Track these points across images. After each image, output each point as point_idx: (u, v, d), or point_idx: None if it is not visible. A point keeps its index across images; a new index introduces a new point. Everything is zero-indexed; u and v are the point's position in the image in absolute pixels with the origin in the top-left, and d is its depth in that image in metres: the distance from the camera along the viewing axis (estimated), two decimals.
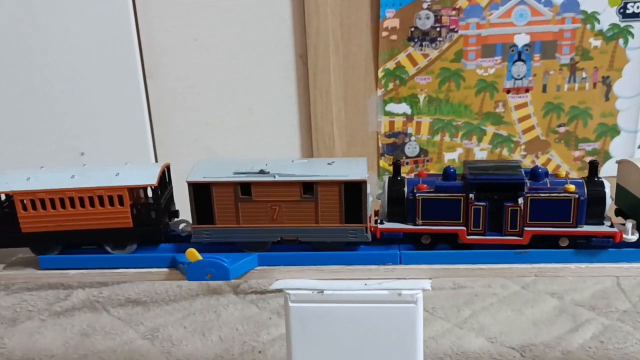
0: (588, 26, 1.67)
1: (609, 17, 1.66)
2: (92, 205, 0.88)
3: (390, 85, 1.72)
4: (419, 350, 0.85)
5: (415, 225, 0.88)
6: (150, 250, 0.92)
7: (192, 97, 1.72)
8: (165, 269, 0.90)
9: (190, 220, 0.93)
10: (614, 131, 1.76)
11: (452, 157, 1.79)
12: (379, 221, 0.90)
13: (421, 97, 1.73)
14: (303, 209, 0.87)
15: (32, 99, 1.67)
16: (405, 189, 0.88)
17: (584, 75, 1.71)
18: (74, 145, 1.70)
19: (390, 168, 1.40)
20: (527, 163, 1.78)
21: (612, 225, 0.86)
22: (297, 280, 0.88)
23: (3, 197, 0.90)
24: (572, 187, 0.85)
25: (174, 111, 1.73)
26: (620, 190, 0.94)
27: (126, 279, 0.93)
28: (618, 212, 0.95)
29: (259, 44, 1.68)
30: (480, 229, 0.87)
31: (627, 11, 1.66)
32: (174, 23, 1.66)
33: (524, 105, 1.74)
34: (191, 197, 0.87)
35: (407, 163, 1.79)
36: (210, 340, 1.40)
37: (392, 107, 1.74)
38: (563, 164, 1.79)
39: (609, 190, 0.86)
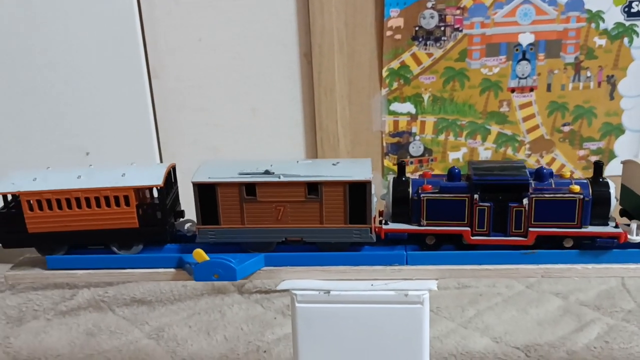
0: (593, 25, 1.66)
1: (613, 16, 1.66)
2: (98, 205, 0.88)
3: (395, 85, 1.72)
4: (425, 351, 0.85)
5: (419, 225, 0.88)
6: (156, 250, 0.92)
7: (196, 97, 1.73)
8: (172, 270, 0.90)
9: (195, 220, 0.93)
10: (619, 130, 1.76)
11: (456, 156, 1.79)
12: (383, 222, 0.90)
13: (425, 97, 1.73)
14: (308, 210, 0.87)
15: (38, 99, 1.68)
16: (410, 190, 0.88)
17: (588, 74, 1.71)
18: (78, 145, 1.71)
19: (395, 167, 1.40)
20: (532, 162, 1.78)
21: (616, 226, 0.86)
22: (304, 281, 0.88)
23: (10, 197, 0.91)
24: (576, 188, 0.85)
25: (178, 111, 1.74)
26: (625, 191, 0.94)
27: (133, 280, 0.93)
28: (623, 213, 0.94)
29: (264, 44, 1.68)
30: (485, 229, 0.87)
31: (632, 10, 1.65)
32: (179, 23, 1.66)
33: (529, 104, 1.74)
34: (196, 197, 0.87)
35: (411, 162, 1.79)
36: (215, 339, 1.40)
37: (396, 106, 1.74)
38: (567, 163, 1.79)
39: (614, 191, 0.86)
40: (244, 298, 1.58)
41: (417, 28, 1.67)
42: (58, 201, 0.88)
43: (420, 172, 1.28)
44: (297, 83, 1.71)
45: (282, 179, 0.86)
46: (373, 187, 0.86)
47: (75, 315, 1.53)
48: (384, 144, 1.78)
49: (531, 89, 1.72)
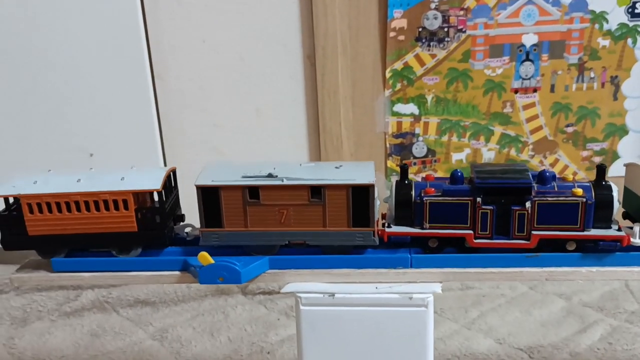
0: (596, 26, 1.66)
1: (617, 16, 1.66)
2: (98, 209, 0.88)
3: (398, 86, 1.72)
4: (430, 354, 0.85)
5: (422, 228, 0.88)
6: (160, 253, 0.92)
7: (200, 98, 1.73)
8: (177, 272, 0.90)
9: (195, 224, 0.93)
10: (622, 131, 1.76)
11: (459, 157, 1.79)
12: (386, 224, 0.90)
13: (429, 98, 1.73)
14: (311, 213, 0.87)
15: (42, 100, 1.68)
16: (413, 193, 0.89)
17: (592, 75, 1.71)
18: (82, 145, 1.71)
19: (398, 169, 1.40)
20: (535, 163, 1.78)
21: (619, 229, 0.86)
22: (308, 284, 0.88)
23: (11, 200, 0.91)
24: (579, 191, 0.85)
25: (182, 112, 1.74)
26: (628, 194, 0.94)
27: (139, 282, 0.93)
28: (625, 215, 0.94)
29: (267, 45, 1.68)
30: (488, 232, 0.87)
31: (636, 11, 1.65)
32: (183, 24, 1.67)
33: (532, 105, 1.74)
34: (200, 200, 0.88)
35: (414, 163, 1.79)
36: (219, 340, 1.40)
37: (399, 107, 1.74)
38: (571, 164, 1.79)
39: (617, 194, 0.86)
40: (248, 299, 1.59)
41: (420, 29, 1.67)
42: (58, 204, 0.88)
43: (423, 174, 1.28)
44: (301, 85, 1.71)
45: (286, 182, 0.86)
46: (376, 190, 0.86)
47: (80, 316, 1.54)
48: (387, 145, 1.78)
49: (535, 90, 1.72)
